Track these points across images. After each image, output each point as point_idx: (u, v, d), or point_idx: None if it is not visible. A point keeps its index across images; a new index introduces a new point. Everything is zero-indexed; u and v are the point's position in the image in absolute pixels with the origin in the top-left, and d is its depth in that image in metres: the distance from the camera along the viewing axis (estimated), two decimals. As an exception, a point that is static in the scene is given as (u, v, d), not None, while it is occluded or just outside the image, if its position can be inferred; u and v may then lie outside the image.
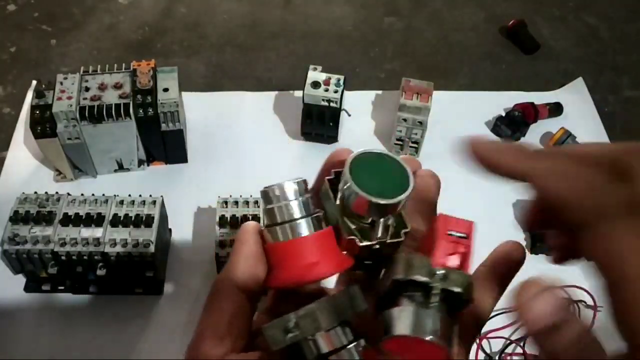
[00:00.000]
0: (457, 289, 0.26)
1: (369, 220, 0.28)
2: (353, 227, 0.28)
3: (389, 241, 0.28)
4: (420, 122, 0.79)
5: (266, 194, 0.28)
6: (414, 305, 0.26)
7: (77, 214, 0.64)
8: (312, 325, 0.25)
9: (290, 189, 0.27)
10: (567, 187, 0.24)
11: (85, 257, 0.63)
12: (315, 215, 0.27)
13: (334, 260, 0.27)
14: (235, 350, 0.27)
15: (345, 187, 0.27)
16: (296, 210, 0.27)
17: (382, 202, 0.26)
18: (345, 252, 0.28)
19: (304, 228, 0.27)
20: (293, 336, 0.25)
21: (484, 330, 0.67)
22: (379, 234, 0.27)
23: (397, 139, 0.82)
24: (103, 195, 0.66)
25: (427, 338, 0.25)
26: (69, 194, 0.66)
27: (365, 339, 0.26)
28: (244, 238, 0.28)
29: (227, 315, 0.27)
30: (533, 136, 0.86)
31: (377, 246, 0.28)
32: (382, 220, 0.27)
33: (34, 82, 0.87)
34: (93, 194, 0.66)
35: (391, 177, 0.27)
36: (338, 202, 0.28)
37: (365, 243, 0.27)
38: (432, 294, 0.26)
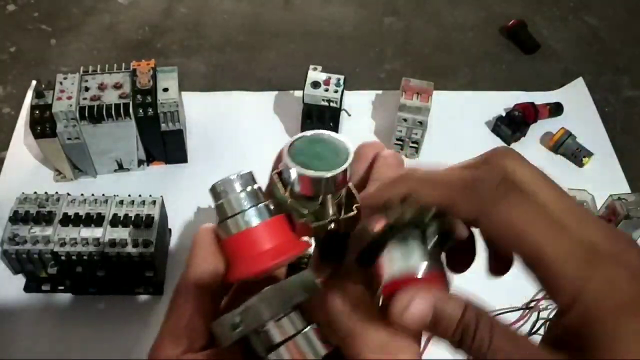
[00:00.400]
0: (449, 225, 0.26)
1: (319, 200, 0.28)
2: (305, 211, 0.28)
3: (342, 217, 0.28)
4: (420, 122, 0.79)
5: (214, 190, 0.28)
6: (409, 243, 0.26)
7: (77, 214, 0.64)
8: (255, 318, 0.25)
9: (236, 182, 0.28)
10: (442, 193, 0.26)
11: (85, 257, 0.63)
12: (264, 204, 0.27)
13: (288, 245, 0.27)
14: (192, 349, 0.27)
15: (287, 172, 0.27)
16: (244, 201, 0.27)
17: (323, 175, 0.26)
18: (302, 238, 0.28)
19: (254, 218, 0.27)
20: (240, 331, 0.25)
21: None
22: (331, 212, 0.28)
23: (397, 139, 0.82)
24: (103, 195, 0.66)
25: (429, 271, 0.25)
26: (68, 194, 0.66)
27: (318, 324, 0.26)
28: (199, 239, 0.29)
29: (185, 316, 0.28)
30: (533, 136, 0.86)
31: (332, 225, 0.28)
32: (330, 197, 0.28)
33: (34, 82, 0.87)
34: (93, 194, 0.66)
35: (330, 154, 0.27)
36: (287, 191, 0.28)
37: (317, 223, 0.27)
38: (428, 232, 0.26)
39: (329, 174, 0.26)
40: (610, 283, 0.23)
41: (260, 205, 0.27)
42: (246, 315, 0.24)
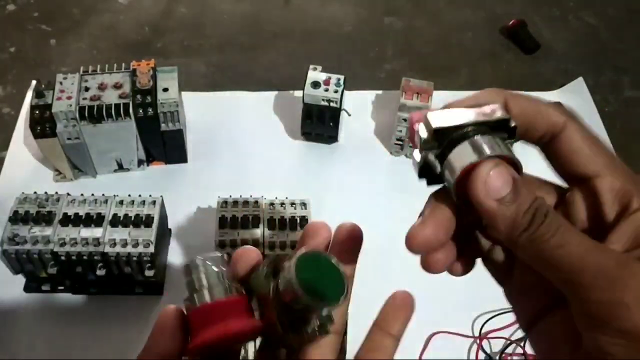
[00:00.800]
0: (512, 121, 0.27)
1: (300, 311, 0.28)
2: (282, 314, 0.28)
3: (312, 335, 0.29)
4: (420, 122, 0.79)
5: (187, 267, 0.30)
6: (482, 136, 0.26)
7: (76, 214, 0.64)
8: None
9: (209, 262, 0.30)
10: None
11: (85, 257, 0.63)
12: (229, 284, 0.29)
13: (246, 320, 0.29)
14: None
15: (286, 280, 0.27)
16: (213, 279, 0.29)
17: (321, 306, 0.27)
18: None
19: (220, 292, 0.29)
20: None
21: (484, 330, 0.67)
22: (309, 330, 0.29)
23: (397, 139, 0.82)
24: (103, 195, 0.66)
25: (499, 153, 0.26)
26: (68, 194, 0.66)
27: None
28: (162, 322, 0.29)
29: None
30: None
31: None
32: (314, 316, 0.29)
33: (34, 82, 0.87)
34: (93, 194, 0.66)
35: (330, 280, 0.28)
36: (273, 289, 0.28)
37: (292, 335, 0.28)
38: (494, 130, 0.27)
39: (326, 306, 0.28)
40: None
41: (228, 285, 0.29)
42: None
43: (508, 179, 0.25)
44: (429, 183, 0.28)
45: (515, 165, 0.26)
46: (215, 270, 0.30)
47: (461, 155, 0.26)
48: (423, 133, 0.27)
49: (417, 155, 0.27)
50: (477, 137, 0.26)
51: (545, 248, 0.24)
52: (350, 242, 0.31)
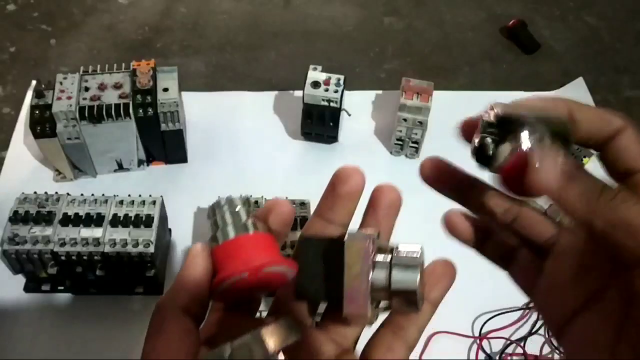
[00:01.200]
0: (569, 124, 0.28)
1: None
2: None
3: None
4: (420, 122, 0.79)
5: (212, 208, 0.29)
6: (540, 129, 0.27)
7: (76, 214, 0.64)
8: (248, 356, 0.25)
9: (235, 201, 0.29)
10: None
11: (85, 257, 0.63)
12: (256, 223, 0.29)
13: (278, 256, 0.28)
14: None
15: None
16: (242, 214, 0.29)
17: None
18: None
19: (246, 229, 0.28)
20: None
21: (484, 330, 0.67)
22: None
23: (397, 139, 0.82)
24: (103, 195, 0.66)
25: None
26: (68, 194, 0.66)
27: None
28: (190, 261, 0.28)
29: (173, 343, 0.26)
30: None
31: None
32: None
33: (34, 82, 0.87)
34: (93, 194, 0.66)
35: None
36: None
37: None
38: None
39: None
40: None
41: (252, 222, 0.29)
42: (238, 352, 0.25)
43: (566, 161, 0.26)
44: (481, 165, 0.29)
45: None
46: (241, 208, 0.29)
47: (517, 143, 0.27)
48: (487, 117, 0.28)
49: (476, 137, 0.28)
50: (536, 128, 0.27)
51: (628, 207, 0.25)
52: (392, 209, 0.31)
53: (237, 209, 0.29)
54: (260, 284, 0.28)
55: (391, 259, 0.28)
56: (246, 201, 0.30)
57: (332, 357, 0.30)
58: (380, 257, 0.29)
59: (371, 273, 0.28)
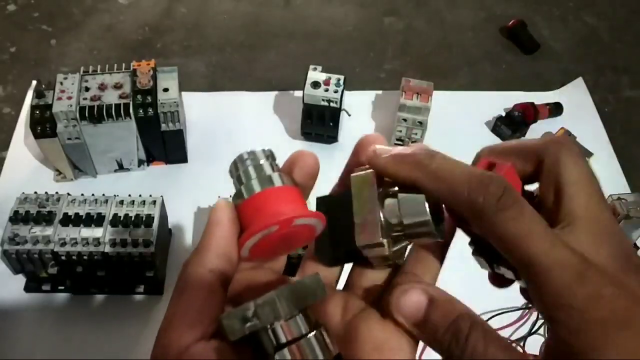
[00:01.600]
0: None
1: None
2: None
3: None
4: (420, 122, 0.79)
5: (235, 164, 0.28)
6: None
7: (77, 214, 0.64)
8: (272, 314, 0.24)
9: (259, 153, 0.28)
10: (448, 186, 0.26)
11: (85, 257, 0.63)
12: (282, 175, 0.28)
13: (307, 208, 0.27)
14: (205, 337, 0.25)
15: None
16: (266, 167, 0.28)
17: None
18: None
19: (271, 181, 0.27)
20: (251, 325, 0.24)
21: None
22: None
23: (397, 139, 0.82)
24: (103, 195, 0.66)
25: None
26: (69, 194, 0.66)
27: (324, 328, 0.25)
28: (217, 218, 0.27)
29: (197, 302, 0.25)
30: (533, 136, 0.86)
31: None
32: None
33: (34, 82, 0.87)
34: (93, 194, 0.66)
35: None
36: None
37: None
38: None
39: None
40: (597, 298, 0.23)
41: (277, 175, 0.27)
42: (262, 310, 0.24)
43: (421, 299, 0.26)
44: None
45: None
46: (265, 161, 0.28)
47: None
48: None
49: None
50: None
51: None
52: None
53: (260, 162, 0.28)
54: (290, 238, 0.27)
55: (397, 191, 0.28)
56: (270, 154, 0.29)
57: (362, 307, 0.29)
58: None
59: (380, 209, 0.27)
